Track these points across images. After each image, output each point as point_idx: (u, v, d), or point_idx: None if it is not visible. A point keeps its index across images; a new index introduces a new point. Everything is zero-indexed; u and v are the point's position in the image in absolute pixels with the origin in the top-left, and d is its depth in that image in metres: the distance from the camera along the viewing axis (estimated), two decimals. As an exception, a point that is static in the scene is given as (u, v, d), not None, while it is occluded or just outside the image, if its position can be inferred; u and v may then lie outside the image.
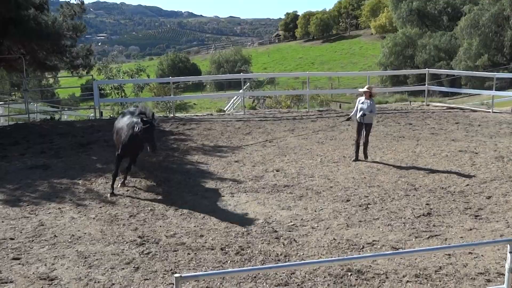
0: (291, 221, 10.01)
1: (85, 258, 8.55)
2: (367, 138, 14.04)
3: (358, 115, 13.78)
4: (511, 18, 49.32)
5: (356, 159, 13.93)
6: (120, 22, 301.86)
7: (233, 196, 11.55)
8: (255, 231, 9.58)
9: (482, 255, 8.32)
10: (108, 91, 28.85)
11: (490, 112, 19.87)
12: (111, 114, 26.74)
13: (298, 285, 7.57)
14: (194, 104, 51.24)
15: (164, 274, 7.98)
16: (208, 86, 62.32)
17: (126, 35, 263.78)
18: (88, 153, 15.15)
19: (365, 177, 12.57)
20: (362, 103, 13.79)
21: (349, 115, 14.40)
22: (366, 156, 14.01)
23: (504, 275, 5.16)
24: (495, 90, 22.85)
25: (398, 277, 7.73)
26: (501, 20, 50.56)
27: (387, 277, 7.73)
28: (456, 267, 7.97)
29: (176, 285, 4.10)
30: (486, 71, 40.94)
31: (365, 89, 14.00)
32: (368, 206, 10.74)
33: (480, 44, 49.73)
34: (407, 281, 7.58)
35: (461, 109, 21.08)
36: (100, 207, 10.93)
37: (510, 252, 4.81)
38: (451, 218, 10.00)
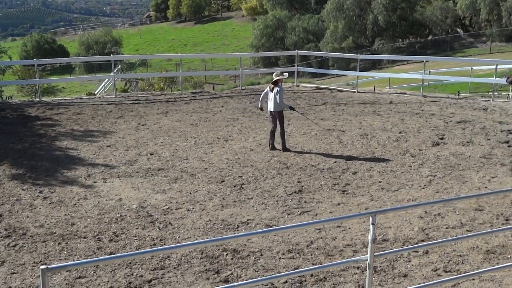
0: (166, 205, 9.94)
1: None
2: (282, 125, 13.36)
3: (275, 105, 13.09)
4: (372, 2, 52.05)
5: (273, 148, 13.31)
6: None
7: (105, 182, 11.23)
8: (129, 217, 9.41)
9: (349, 228, 8.78)
10: (-34, 75, 26.75)
11: (355, 92, 20.88)
12: (-31, 99, 24.80)
13: (174, 267, 7.56)
14: (63, 87, 49.07)
15: (33, 266, 7.62)
16: (77, 68, 59.92)
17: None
18: None
19: (239, 158, 12.75)
20: (278, 92, 13.04)
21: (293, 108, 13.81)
22: (272, 145, 13.37)
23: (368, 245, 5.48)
24: (359, 71, 24.08)
25: (272, 253, 7.96)
26: (363, 4, 53.29)
27: (261, 254, 7.93)
28: (326, 241, 8.35)
29: (42, 277, 3.91)
30: (351, 53, 42.95)
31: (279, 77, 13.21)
32: (242, 186, 10.92)
33: (345, 27, 52.14)
34: (281, 257, 7.83)
35: (328, 89, 21.95)
36: (-41, 200, 10.17)
37: (372, 224, 5.10)
38: (321, 194, 10.45)
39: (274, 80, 13.34)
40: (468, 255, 7.70)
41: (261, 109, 14.12)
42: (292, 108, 13.88)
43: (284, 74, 13.55)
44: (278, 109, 13.27)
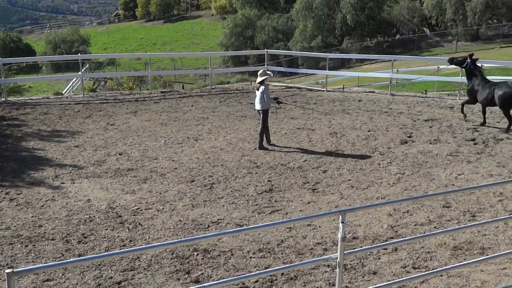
0: (135, 205, 9.86)
1: None
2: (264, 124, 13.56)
3: (262, 103, 13.36)
4: (341, 1, 52.41)
5: (269, 142, 13.62)
6: None
7: (74, 183, 11.08)
8: (98, 218, 9.30)
9: (319, 226, 8.83)
10: None
11: (324, 90, 20.99)
12: None
13: (144, 268, 7.50)
14: (30, 87, 48.30)
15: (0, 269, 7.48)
16: (44, 68, 58.96)
17: None
18: None
19: (209, 157, 12.71)
20: (264, 90, 13.32)
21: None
22: (268, 141, 13.64)
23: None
24: (328, 70, 24.21)
25: (242, 253, 7.95)
26: (332, 4, 53.63)
27: (232, 254, 7.92)
28: (297, 239, 8.38)
29: (8, 281, 3.82)
30: (320, 52, 43.16)
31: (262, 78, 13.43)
32: (213, 185, 10.90)
33: (314, 26, 52.35)
34: (251, 257, 7.83)
35: (298, 88, 22.02)
36: None
37: (341, 222, 5.12)
38: (291, 193, 10.48)
39: (260, 80, 13.44)
40: (436, 251, 7.82)
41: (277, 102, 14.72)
42: (279, 102, 14.48)
43: (268, 73, 13.87)
44: (266, 107, 13.45)
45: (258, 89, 13.51)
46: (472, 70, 14.88)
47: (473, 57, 15.11)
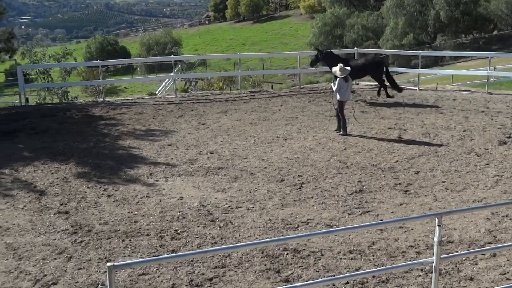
0: (226, 203, 10.01)
1: (15, 250, 8.26)
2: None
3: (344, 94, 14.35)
4: (434, -3, 50.75)
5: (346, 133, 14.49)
6: (44, 4, 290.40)
7: (167, 180, 11.41)
8: (190, 215, 9.52)
9: (412, 229, 8.59)
10: (34, 76, 27.87)
11: (416, 89, 20.43)
12: (37, 99, 25.72)
13: (235, 266, 7.60)
14: (125, 88, 50.26)
15: (99, 262, 7.82)
16: (138, 69, 61.16)
17: (51, 17, 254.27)
18: (14, 141, 14.57)
19: (298, 157, 12.70)
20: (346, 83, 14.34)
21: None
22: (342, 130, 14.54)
23: (433, 247, 5.34)
24: (421, 68, 23.50)
25: (332, 254, 7.88)
26: (425, 0, 51.99)
27: (322, 254, 7.86)
28: (388, 242, 8.20)
29: (109, 274, 4.00)
30: (412, 50, 42.01)
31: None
32: (302, 185, 10.87)
33: (406, 23, 51.03)
34: (341, 258, 7.74)
35: (389, 87, 21.53)
36: (29, 197, 10.55)
37: (438, 226, 4.95)
38: (382, 194, 10.27)
39: (344, 75, 14.15)
40: (538, 258, 7.40)
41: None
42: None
43: (347, 69, 14.50)
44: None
45: (347, 81, 14.27)
46: (332, 58, 17.21)
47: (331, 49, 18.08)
